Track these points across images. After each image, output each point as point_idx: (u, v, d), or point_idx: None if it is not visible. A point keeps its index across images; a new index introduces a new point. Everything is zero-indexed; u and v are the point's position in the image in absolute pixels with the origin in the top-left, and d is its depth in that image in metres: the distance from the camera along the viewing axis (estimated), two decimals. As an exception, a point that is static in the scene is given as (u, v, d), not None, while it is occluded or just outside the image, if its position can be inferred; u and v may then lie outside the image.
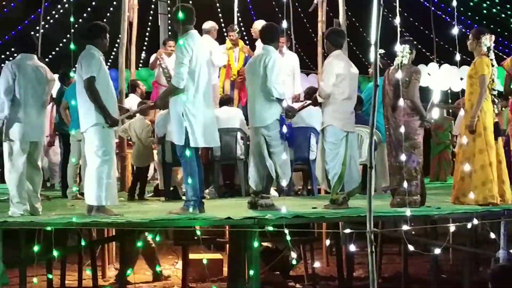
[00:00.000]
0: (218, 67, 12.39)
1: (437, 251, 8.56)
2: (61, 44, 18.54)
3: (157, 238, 8.68)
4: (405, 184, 8.03)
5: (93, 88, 8.05)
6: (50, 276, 9.84)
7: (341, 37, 9.06)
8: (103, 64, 8.26)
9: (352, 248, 7.82)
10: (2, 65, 18.62)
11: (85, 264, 11.47)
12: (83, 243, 9.57)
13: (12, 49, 18.09)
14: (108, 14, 18.37)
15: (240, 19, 15.75)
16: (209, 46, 12.06)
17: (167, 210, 8.42)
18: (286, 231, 7.24)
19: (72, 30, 8.78)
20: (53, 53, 18.98)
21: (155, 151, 11.30)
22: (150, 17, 19.86)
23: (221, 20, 17.45)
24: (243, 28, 15.99)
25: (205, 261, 9.44)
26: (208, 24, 12.58)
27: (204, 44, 8.75)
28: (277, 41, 8.88)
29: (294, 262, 11.24)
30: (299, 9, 16.16)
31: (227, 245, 11.19)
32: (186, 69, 8.08)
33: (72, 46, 8.74)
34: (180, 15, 8.11)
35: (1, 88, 8.29)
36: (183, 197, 8.99)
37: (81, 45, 8.55)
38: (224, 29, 14.42)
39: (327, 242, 11.72)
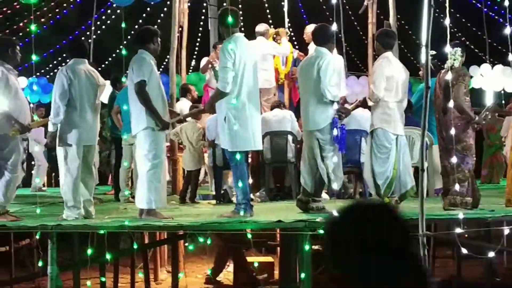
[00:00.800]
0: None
1: (491, 254, 8.42)
2: (117, 50, 18.76)
3: (208, 241, 8.71)
4: (457, 187, 7.94)
5: (143, 92, 8.11)
6: (103, 279, 9.95)
7: (391, 39, 8.94)
8: (154, 69, 8.31)
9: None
10: (56, 70, 18.95)
11: (138, 267, 11.57)
12: (135, 246, 9.64)
13: (64, 55, 18.44)
14: (159, 20, 18.50)
15: (289, 24, 15.73)
16: (265, 48, 12.14)
17: (218, 213, 8.45)
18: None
19: (124, 36, 8.87)
20: (108, 59, 19.20)
21: (206, 155, 11.36)
22: (201, 22, 19.94)
23: (270, 22, 17.44)
24: (292, 33, 15.99)
25: (256, 264, 9.45)
26: (262, 27, 12.62)
27: (251, 48, 8.74)
28: (331, 42, 8.78)
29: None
30: (349, 11, 16.08)
31: (278, 248, 11.18)
32: (231, 73, 8.06)
33: (124, 51, 8.87)
34: (225, 18, 8.14)
35: (56, 92, 8.40)
36: (234, 200, 9.00)
37: (133, 50, 8.64)
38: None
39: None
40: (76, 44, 9.10)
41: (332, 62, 8.45)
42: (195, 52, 20.06)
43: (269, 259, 12.41)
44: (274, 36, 12.65)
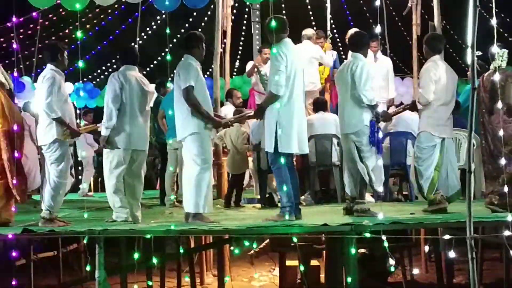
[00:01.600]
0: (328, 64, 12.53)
1: (541, 256, 8.31)
2: (159, 56, 18.91)
3: (254, 245, 8.71)
4: (506, 188, 7.83)
5: (192, 97, 8.16)
6: (150, 283, 9.99)
7: (439, 42, 8.98)
8: (200, 73, 8.36)
9: (452, 254, 7.65)
10: (102, 76, 19.20)
11: (184, 271, 11.61)
12: (181, 250, 9.67)
13: (113, 60, 18.64)
14: (203, 24, 18.59)
15: (333, 25, 15.69)
16: (312, 51, 12.17)
17: (263, 217, 8.46)
18: (384, 237, 7.16)
19: (168, 41, 8.91)
20: (152, 64, 19.36)
21: (250, 158, 11.37)
22: (244, 26, 19.99)
23: (313, 24, 17.41)
24: (336, 35, 15.96)
25: (302, 268, 9.42)
26: (310, 31, 12.70)
27: (299, 52, 8.77)
28: (365, 48, 8.86)
29: (392, 269, 11.08)
30: (393, 13, 15.99)
31: (324, 252, 11.13)
32: (284, 76, 8.10)
33: (168, 56, 8.92)
34: (273, 24, 8.16)
35: (109, 97, 8.51)
36: (279, 204, 9.00)
37: (177, 56, 8.69)
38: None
39: (426, 248, 11.52)
40: (127, 51, 9.18)
41: (366, 67, 8.49)
42: (239, 56, 20.13)
43: (314, 262, 12.35)
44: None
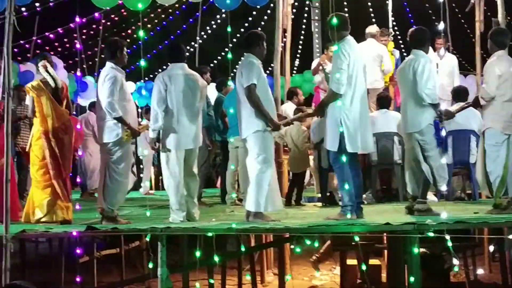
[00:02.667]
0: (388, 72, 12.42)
1: None
2: (219, 55, 18.99)
3: (316, 244, 8.68)
4: None
5: (254, 95, 8.15)
6: (211, 280, 10.03)
7: (505, 37, 8.77)
8: (262, 72, 8.36)
9: (517, 254, 7.53)
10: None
11: (244, 269, 11.64)
12: (242, 248, 9.69)
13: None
14: (263, 23, 18.61)
15: (394, 22, 15.56)
16: (376, 49, 12.09)
17: (324, 216, 8.44)
18: (447, 237, 7.07)
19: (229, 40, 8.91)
20: (213, 63, 19.44)
21: (311, 157, 11.33)
22: (304, 24, 19.95)
23: (374, 21, 17.28)
24: (397, 32, 15.82)
25: (364, 267, 9.37)
26: (374, 28, 12.62)
27: (361, 50, 8.70)
28: (427, 45, 8.72)
29: (456, 268, 10.94)
30: (456, 10, 15.76)
31: (385, 251, 11.04)
32: (345, 75, 8.05)
33: (229, 55, 8.92)
34: (336, 22, 8.12)
35: (154, 99, 8.56)
36: (340, 203, 8.95)
37: (238, 54, 8.70)
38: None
39: (490, 248, 11.33)
40: (173, 48, 9.20)
41: (428, 65, 8.35)
42: (299, 54, 20.09)
43: (376, 262, 12.26)
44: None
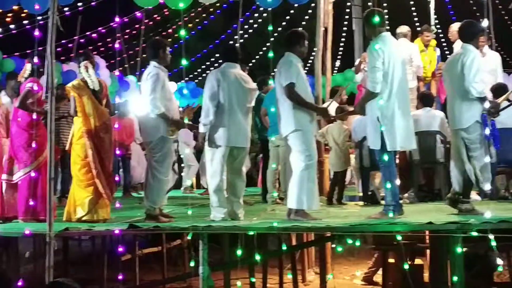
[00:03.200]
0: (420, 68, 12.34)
1: None
2: (257, 54, 18.99)
3: (357, 243, 8.63)
4: None
5: (294, 93, 8.14)
6: (253, 279, 10.04)
7: None
8: (301, 71, 8.34)
9: None
10: (207, 72, 19.37)
11: (285, 268, 11.62)
12: (284, 247, 9.67)
13: (212, 59, 18.83)
14: (303, 22, 18.58)
15: (437, 20, 15.42)
16: (408, 48, 12.00)
17: (365, 215, 8.38)
18: (491, 236, 6.98)
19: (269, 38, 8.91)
20: (252, 62, 19.46)
21: (352, 156, 11.27)
22: (345, 22, 19.87)
23: (416, 19, 17.17)
24: (440, 29, 15.67)
25: (406, 267, 9.28)
26: (405, 28, 12.54)
27: (398, 46, 8.62)
28: (476, 39, 8.55)
29: (500, 268, 10.80)
30: (499, 6, 15.59)
31: (428, 251, 10.94)
32: (380, 73, 7.97)
33: (270, 54, 8.91)
34: (373, 19, 8.06)
35: (206, 94, 8.57)
36: (382, 202, 8.89)
37: (279, 53, 8.69)
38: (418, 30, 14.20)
39: (536, 248, 11.17)
40: (229, 49, 9.24)
41: (477, 59, 8.21)
42: (340, 53, 20.02)
43: (418, 261, 12.16)
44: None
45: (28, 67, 9.18)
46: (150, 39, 9.54)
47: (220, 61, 9.06)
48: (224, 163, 8.50)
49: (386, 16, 8.46)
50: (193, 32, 19.43)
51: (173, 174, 9.48)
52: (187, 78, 19.27)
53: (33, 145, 8.77)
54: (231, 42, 17.43)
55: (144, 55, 18.56)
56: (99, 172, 8.66)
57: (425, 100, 11.11)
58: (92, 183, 8.70)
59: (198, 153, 15.17)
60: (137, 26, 18.61)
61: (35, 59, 8.80)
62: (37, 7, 8.84)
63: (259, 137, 12.21)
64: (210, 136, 8.51)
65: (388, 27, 8.93)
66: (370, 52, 8.11)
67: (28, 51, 9.28)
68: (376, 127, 8.03)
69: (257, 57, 20.03)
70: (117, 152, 8.78)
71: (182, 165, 16.08)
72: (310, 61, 12.34)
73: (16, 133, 9.08)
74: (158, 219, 8.44)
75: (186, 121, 8.92)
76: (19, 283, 7.21)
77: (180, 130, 8.85)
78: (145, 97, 8.53)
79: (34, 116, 8.69)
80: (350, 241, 8.31)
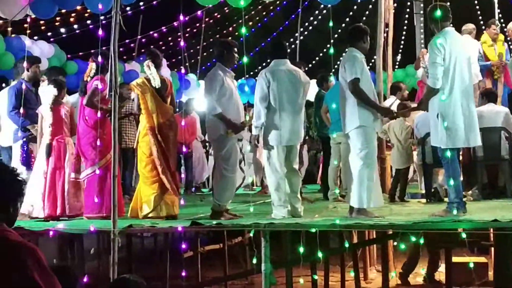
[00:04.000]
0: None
1: None
2: (324, 50, 18.92)
3: (421, 241, 8.54)
4: None
5: (358, 89, 8.08)
6: (315, 277, 10.01)
7: None
8: (365, 67, 8.28)
9: None
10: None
11: (347, 265, 11.56)
12: (346, 244, 9.62)
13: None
14: (364, 18, 18.46)
15: (500, 15, 15.17)
16: (472, 46, 11.84)
17: (428, 212, 8.29)
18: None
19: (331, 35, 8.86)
20: (314, 59, 19.41)
21: (414, 153, 11.17)
22: (406, 18, 19.70)
23: (478, 13, 16.92)
24: (503, 25, 15.41)
25: (471, 265, 9.17)
26: (470, 26, 12.37)
27: (463, 42, 8.48)
28: None
29: None
30: None
31: (492, 249, 10.78)
32: (441, 68, 7.85)
33: (331, 50, 8.86)
34: (436, 13, 7.96)
35: (257, 96, 8.57)
36: (445, 199, 8.78)
37: (339, 50, 8.65)
38: (483, 27, 14.00)
39: None
40: (275, 45, 9.21)
41: None
42: (401, 49, 19.87)
43: (482, 259, 11.99)
44: None
45: (93, 66, 9.32)
46: (218, 40, 9.59)
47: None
48: (282, 162, 8.49)
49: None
50: (253, 29, 19.46)
51: (240, 171, 9.51)
52: (247, 76, 19.32)
53: (99, 143, 8.88)
54: (292, 40, 17.43)
55: (205, 54, 18.75)
56: (164, 168, 8.75)
57: (488, 96, 10.94)
58: (157, 180, 8.79)
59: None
60: (197, 24, 18.72)
61: (99, 58, 8.92)
62: (100, 6, 8.93)
63: (319, 134, 12.17)
64: (264, 137, 8.53)
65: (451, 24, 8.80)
66: (431, 47, 8.01)
67: (91, 51, 9.41)
68: (438, 124, 7.92)
69: (320, 54, 19.97)
70: (183, 149, 8.83)
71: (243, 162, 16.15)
72: (373, 59, 12.23)
73: (83, 132, 9.22)
74: (224, 216, 8.49)
75: (247, 118, 8.93)
76: (84, 279, 7.30)
77: (238, 133, 8.83)
78: (204, 98, 8.60)
79: (99, 114, 8.80)
80: (413, 239, 8.23)
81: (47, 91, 9.53)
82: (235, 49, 8.85)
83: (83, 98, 9.31)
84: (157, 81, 8.92)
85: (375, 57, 12.02)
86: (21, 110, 9.16)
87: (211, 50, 18.84)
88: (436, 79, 7.83)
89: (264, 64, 20.83)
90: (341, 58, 8.67)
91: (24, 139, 9.59)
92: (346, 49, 8.52)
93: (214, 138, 8.65)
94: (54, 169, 9.21)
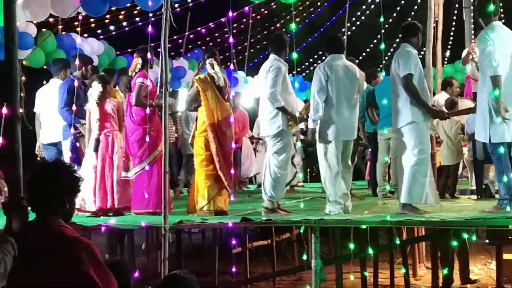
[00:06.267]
0: None
1: None
2: (372, 46, 18.84)
3: (473, 238, 8.45)
4: None
5: (411, 85, 8.05)
6: (365, 273, 9.97)
7: None
8: (419, 62, 8.24)
9: None
10: (311, 68, 19.43)
11: (396, 262, 11.48)
12: (397, 241, 9.57)
13: (319, 53, 18.79)
14: (412, 13, 18.33)
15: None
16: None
17: (479, 209, 8.23)
18: None
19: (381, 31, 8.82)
20: (362, 54, 19.32)
21: (465, 148, 11.06)
22: (455, 13, 19.51)
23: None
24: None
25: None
26: None
27: (511, 35, 8.33)
28: None
29: None
30: None
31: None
32: (493, 55, 7.67)
33: (382, 45, 8.80)
34: (483, 7, 7.85)
35: (315, 89, 8.56)
36: (496, 195, 8.68)
37: (388, 45, 8.60)
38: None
39: None
40: (332, 39, 9.18)
41: None
42: (450, 44, 19.68)
43: (533, 257, 11.83)
44: None
45: (138, 61, 9.40)
46: (274, 34, 9.62)
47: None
48: (339, 157, 8.48)
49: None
50: (300, 26, 19.43)
51: (292, 167, 9.50)
52: (294, 72, 19.32)
53: (147, 139, 8.96)
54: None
55: (252, 50, 18.75)
56: (222, 165, 8.81)
57: None
58: (213, 175, 8.88)
59: (306, 147, 15.16)
60: (244, 20, 18.74)
61: (148, 55, 9.00)
62: (150, 3, 9.01)
63: (367, 130, 12.11)
64: (321, 131, 8.50)
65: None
66: (480, 40, 7.90)
67: (140, 48, 9.50)
68: (486, 119, 7.80)
69: (368, 50, 19.88)
70: (233, 145, 8.88)
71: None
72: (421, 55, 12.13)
73: (131, 129, 9.32)
74: (276, 212, 8.50)
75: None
76: (136, 274, 7.37)
77: (298, 124, 8.85)
78: (265, 90, 8.60)
79: (148, 110, 8.87)
80: (465, 236, 8.15)
81: (93, 88, 9.64)
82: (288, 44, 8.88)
83: (129, 95, 9.40)
84: (221, 79, 8.99)
85: (422, 52, 11.90)
86: (73, 107, 9.26)
87: (258, 46, 18.95)
88: (496, 66, 7.63)
89: (311, 60, 20.91)
90: (388, 54, 8.61)
91: (73, 137, 9.69)
92: (399, 45, 8.46)
93: (274, 133, 8.65)
94: (103, 163, 9.34)
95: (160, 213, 7.84)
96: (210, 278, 9.96)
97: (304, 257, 8.19)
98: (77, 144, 9.70)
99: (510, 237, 8.90)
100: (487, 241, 10.84)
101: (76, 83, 9.48)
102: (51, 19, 11.19)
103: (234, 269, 9.61)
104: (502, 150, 7.73)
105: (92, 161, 9.36)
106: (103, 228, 8.34)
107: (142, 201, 9.10)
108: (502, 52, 7.76)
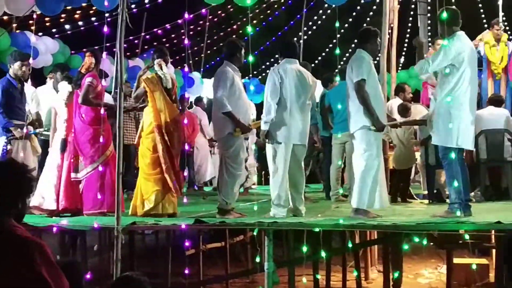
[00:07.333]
0: None
1: None
2: (328, 50, 18.94)
3: (424, 242, 8.55)
4: None
5: (363, 91, 8.10)
6: (318, 276, 10.02)
7: None
8: (372, 68, 8.30)
9: None
10: (267, 71, 19.47)
11: (348, 265, 11.56)
12: (350, 244, 9.63)
13: (276, 56, 18.86)
14: (368, 19, 18.48)
15: (504, 18, 15.16)
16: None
17: (431, 213, 8.30)
18: None
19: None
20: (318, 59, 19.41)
21: (417, 153, 11.18)
22: (410, 18, 19.71)
23: (483, 16, 16.93)
24: (507, 27, 15.43)
25: (474, 266, 9.18)
26: None
27: (472, 45, 8.47)
28: None
29: None
30: None
31: (494, 250, 10.79)
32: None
33: (337, 50, 8.86)
34: (445, 16, 7.97)
35: (268, 91, 8.56)
36: (447, 200, 8.79)
37: (343, 50, 8.67)
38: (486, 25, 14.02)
39: None
40: (287, 45, 9.21)
41: None
42: (404, 50, 19.88)
43: (483, 261, 12.00)
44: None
45: (92, 60, 9.28)
46: (228, 40, 9.61)
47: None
48: (287, 161, 8.49)
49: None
50: (257, 28, 19.47)
51: (244, 170, 9.52)
52: (250, 75, 19.36)
53: (100, 140, 8.86)
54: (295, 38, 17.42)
55: (209, 52, 18.73)
56: (168, 167, 8.76)
57: (492, 101, 11.01)
58: (160, 178, 8.80)
59: (259, 150, 15.18)
60: (201, 22, 18.73)
61: (104, 55, 8.94)
62: (106, 3, 8.95)
63: (321, 134, 12.16)
64: (272, 133, 8.49)
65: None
66: (441, 48, 8.03)
67: (95, 48, 9.41)
68: (445, 124, 7.91)
69: (323, 54, 19.98)
70: (186, 147, 8.84)
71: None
72: (376, 60, 12.24)
73: (81, 129, 9.19)
74: (231, 214, 8.50)
75: (252, 119, 8.94)
76: (87, 276, 7.32)
77: (245, 133, 8.85)
78: (214, 95, 8.61)
79: (102, 111, 8.79)
80: (416, 239, 8.24)
81: (61, 88, 9.53)
82: (243, 50, 8.87)
83: (77, 94, 9.27)
84: (169, 82, 8.96)
85: (377, 58, 12.01)
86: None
87: (215, 48, 18.94)
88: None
89: (267, 63, 20.95)
90: (344, 58, 8.68)
91: (6, 139, 9.52)
92: (355, 50, 8.54)
93: (222, 136, 8.65)
94: (69, 163, 9.24)
95: (112, 214, 7.79)
96: (162, 280, 9.95)
97: (257, 259, 8.21)
98: (8, 147, 9.51)
99: (460, 242, 8.98)
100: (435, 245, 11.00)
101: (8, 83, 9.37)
102: (5, 17, 11.05)
103: (187, 271, 9.60)
104: (453, 155, 7.84)
105: (57, 160, 9.25)
106: (54, 229, 8.26)
107: (94, 202, 9.01)
108: (463, 58, 7.91)
